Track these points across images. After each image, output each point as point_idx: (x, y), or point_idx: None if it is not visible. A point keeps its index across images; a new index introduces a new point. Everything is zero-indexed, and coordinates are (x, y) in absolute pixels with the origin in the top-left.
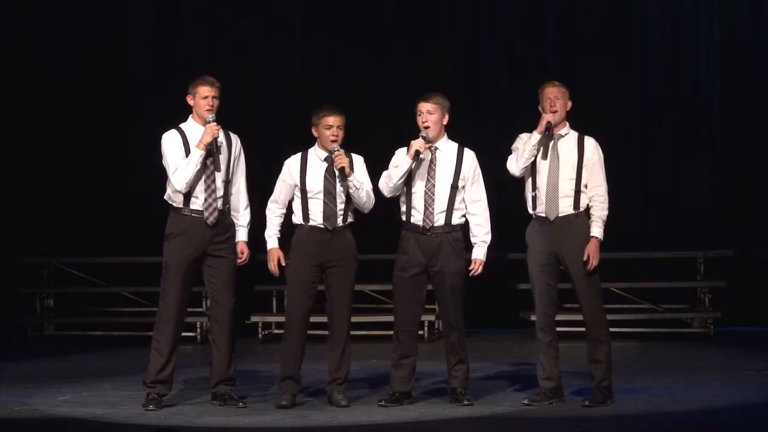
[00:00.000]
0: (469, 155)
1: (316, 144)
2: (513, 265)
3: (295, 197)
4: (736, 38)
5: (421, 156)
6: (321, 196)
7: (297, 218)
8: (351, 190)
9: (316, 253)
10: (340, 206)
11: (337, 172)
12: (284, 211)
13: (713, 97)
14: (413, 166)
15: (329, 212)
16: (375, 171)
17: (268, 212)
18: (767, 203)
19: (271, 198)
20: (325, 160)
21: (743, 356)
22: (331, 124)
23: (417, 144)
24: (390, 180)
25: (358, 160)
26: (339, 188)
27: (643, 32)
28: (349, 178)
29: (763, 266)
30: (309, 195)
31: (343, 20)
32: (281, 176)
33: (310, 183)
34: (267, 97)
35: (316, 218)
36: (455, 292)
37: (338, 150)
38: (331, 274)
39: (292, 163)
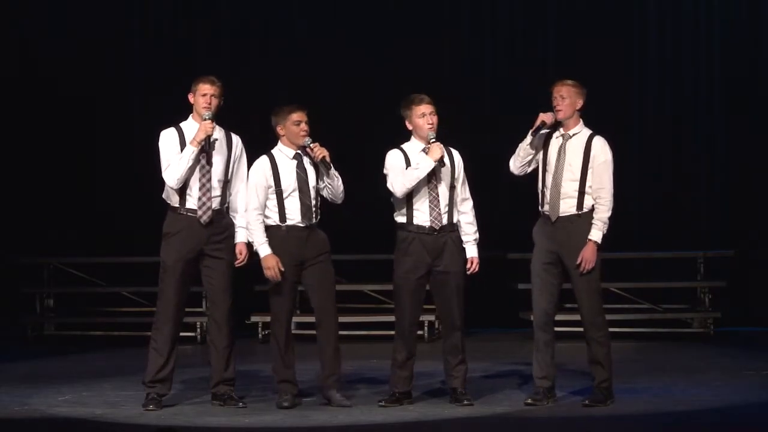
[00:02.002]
0: (457, 155)
1: (280, 143)
2: (513, 265)
3: (269, 199)
4: (736, 38)
5: (444, 161)
6: (296, 194)
7: (272, 220)
8: (332, 180)
9: (296, 252)
10: (314, 202)
11: (320, 164)
12: (263, 214)
13: (713, 97)
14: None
15: (306, 209)
16: (375, 171)
17: (251, 221)
18: (767, 203)
19: (250, 206)
20: (295, 157)
21: (743, 356)
22: (299, 120)
23: (442, 150)
24: (409, 181)
25: None
26: (312, 184)
27: (643, 32)
28: (331, 167)
29: (763, 266)
30: (284, 194)
31: (343, 20)
32: (253, 181)
33: (285, 182)
34: (267, 97)
35: (294, 217)
36: (460, 290)
37: (312, 142)
38: (311, 272)
39: (262, 165)
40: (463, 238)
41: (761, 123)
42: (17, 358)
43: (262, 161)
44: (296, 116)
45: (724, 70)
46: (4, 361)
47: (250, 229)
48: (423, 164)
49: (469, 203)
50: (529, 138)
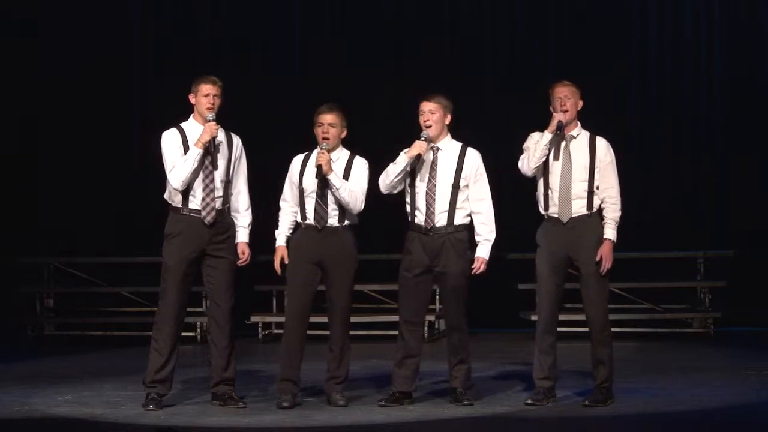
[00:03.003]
0: (472, 154)
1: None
2: (513, 265)
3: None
4: (736, 37)
5: (423, 158)
6: (314, 195)
7: (298, 216)
8: (332, 189)
9: (311, 252)
10: (333, 206)
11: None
12: (295, 209)
13: (713, 97)
14: (412, 166)
15: (320, 211)
16: (375, 171)
17: (280, 211)
18: (767, 203)
19: (282, 197)
20: None
21: (743, 356)
22: (322, 122)
23: (420, 148)
24: (387, 177)
25: (359, 162)
26: None
27: (643, 32)
28: (328, 177)
29: (763, 266)
30: (305, 193)
31: (343, 20)
32: (288, 174)
33: (306, 182)
34: (267, 97)
35: (310, 217)
36: (457, 292)
37: (323, 149)
38: (328, 276)
39: (295, 161)
40: (475, 237)
41: (761, 123)
42: (17, 358)
43: (298, 158)
44: (320, 118)
45: (724, 70)
46: (4, 361)
47: (279, 220)
48: (399, 160)
49: (484, 204)
50: (548, 137)
